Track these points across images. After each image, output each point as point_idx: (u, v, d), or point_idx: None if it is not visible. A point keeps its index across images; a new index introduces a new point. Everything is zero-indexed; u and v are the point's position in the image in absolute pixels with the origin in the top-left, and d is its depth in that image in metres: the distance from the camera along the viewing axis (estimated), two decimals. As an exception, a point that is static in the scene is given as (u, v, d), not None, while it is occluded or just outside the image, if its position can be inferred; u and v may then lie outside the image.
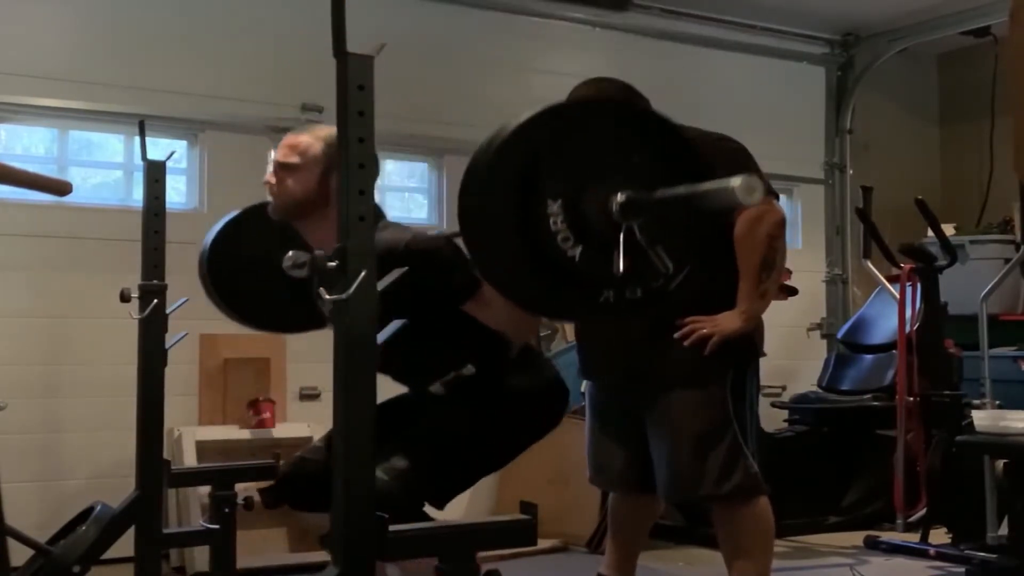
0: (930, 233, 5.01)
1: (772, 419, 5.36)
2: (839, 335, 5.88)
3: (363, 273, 1.74)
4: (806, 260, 6.32)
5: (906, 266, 4.81)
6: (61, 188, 2.93)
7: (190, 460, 4.35)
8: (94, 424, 4.47)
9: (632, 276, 1.80)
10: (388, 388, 2.45)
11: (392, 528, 1.79)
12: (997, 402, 4.22)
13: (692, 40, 6.08)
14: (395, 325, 2.18)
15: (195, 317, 3.17)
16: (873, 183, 5.36)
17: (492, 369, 2.44)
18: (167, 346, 3.10)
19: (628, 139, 1.84)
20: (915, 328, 4.77)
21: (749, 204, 1.65)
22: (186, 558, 4.27)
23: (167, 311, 3.08)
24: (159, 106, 4.64)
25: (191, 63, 4.83)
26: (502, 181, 1.75)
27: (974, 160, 6.73)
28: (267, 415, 4.61)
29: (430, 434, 2.44)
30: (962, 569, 4.10)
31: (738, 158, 2.99)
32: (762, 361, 3.13)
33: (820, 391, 5.52)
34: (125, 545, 3.02)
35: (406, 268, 1.91)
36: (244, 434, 4.59)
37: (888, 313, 5.21)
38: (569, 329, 5.01)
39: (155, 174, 3.09)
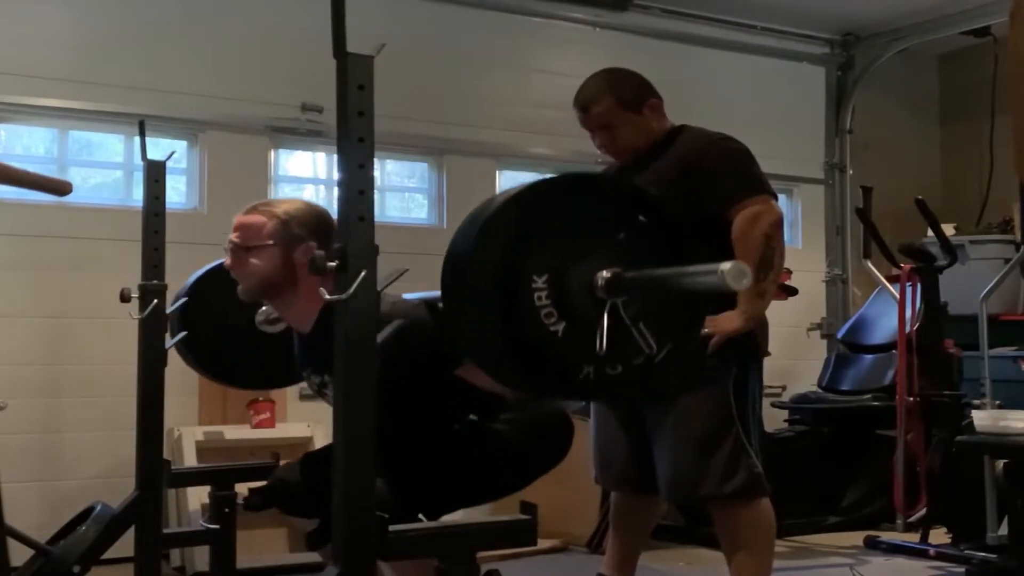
0: (930, 233, 5.01)
1: (772, 419, 5.35)
2: (839, 335, 5.88)
3: (363, 273, 1.73)
4: (806, 260, 6.32)
5: (906, 266, 4.81)
6: (61, 188, 2.93)
7: (190, 460, 4.35)
8: (94, 424, 4.48)
9: (614, 353, 1.80)
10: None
11: (392, 528, 1.79)
12: (997, 402, 4.23)
13: (692, 40, 6.09)
14: (395, 325, 2.17)
15: (195, 317, 3.17)
16: (873, 183, 5.36)
17: (492, 417, 2.41)
18: (167, 346, 3.09)
19: (615, 215, 1.85)
20: (915, 328, 4.77)
21: (737, 289, 1.61)
22: (186, 558, 4.27)
23: (167, 311, 3.08)
24: (159, 106, 4.64)
25: (191, 63, 4.83)
26: (484, 261, 1.76)
27: (974, 160, 6.73)
28: (267, 415, 4.61)
29: (435, 463, 2.38)
30: (962, 569, 4.11)
31: (739, 158, 3.00)
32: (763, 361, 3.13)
33: (820, 391, 5.52)
34: (125, 545, 3.01)
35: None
36: (244, 434, 4.59)
37: (888, 313, 5.21)
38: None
39: (155, 174, 3.08)
